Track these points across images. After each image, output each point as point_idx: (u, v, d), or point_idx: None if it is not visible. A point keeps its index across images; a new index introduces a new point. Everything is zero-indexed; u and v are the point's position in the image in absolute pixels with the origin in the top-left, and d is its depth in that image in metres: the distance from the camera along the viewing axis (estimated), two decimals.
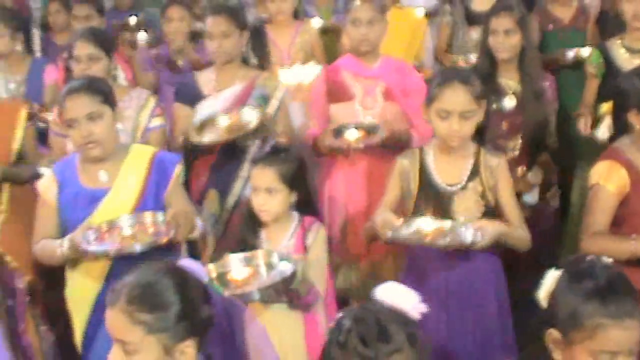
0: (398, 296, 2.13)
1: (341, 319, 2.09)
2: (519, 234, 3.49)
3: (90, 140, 3.40)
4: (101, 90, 3.47)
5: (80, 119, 3.38)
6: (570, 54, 5.25)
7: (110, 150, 3.46)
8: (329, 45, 5.90)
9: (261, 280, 3.25)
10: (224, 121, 4.20)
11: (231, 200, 4.33)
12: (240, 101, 4.26)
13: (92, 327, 3.51)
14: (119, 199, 3.46)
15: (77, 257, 3.42)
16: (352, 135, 4.21)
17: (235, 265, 3.32)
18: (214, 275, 3.26)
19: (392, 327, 2.05)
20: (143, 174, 3.49)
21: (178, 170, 3.56)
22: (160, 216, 3.37)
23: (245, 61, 4.41)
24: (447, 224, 3.38)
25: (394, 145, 4.10)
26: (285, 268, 3.23)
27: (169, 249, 3.41)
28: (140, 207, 3.45)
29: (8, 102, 4.62)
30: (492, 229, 3.30)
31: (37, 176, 4.25)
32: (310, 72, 4.89)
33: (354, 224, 4.39)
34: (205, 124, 4.17)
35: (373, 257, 4.36)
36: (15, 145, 4.36)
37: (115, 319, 2.22)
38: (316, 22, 5.26)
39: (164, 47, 5.78)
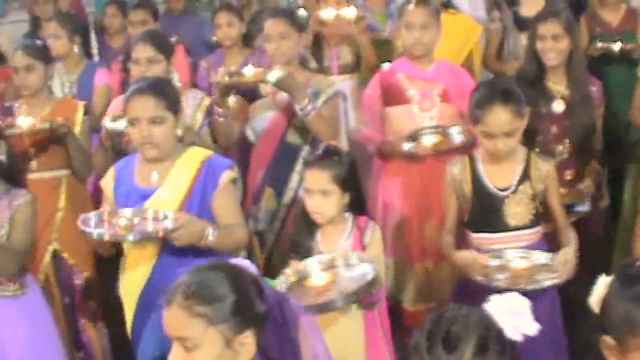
0: (505, 311, 2.05)
1: (429, 318, 2.05)
2: (574, 238, 3.59)
3: (149, 141, 3.43)
4: (167, 96, 3.48)
5: (142, 120, 3.41)
6: (615, 47, 5.20)
7: (167, 153, 3.48)
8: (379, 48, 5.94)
9: (342, 285, 3.21)
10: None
11: (288, 196, 4.38)
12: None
13: (138, 320, 3.57)
14: (165, 198, 3.47)
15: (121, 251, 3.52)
16: (429, 141, 4.24)
17: (314, 270, 3.31)
18: (292, 280, 3.27)
19: (462, 338, 1.97)
20: (192, 176, 3.49)
21: (228, 175, 3.52)
22: (161, 214, 3.35)
23: (304, 64, 4.48)
24: (536, 258, 3.46)
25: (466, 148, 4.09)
26: (366, 270, 3.23)
27: (211, 253, 3.35)
28: (185, 208, 3.44)
29: (64, 100, 4.74)
30: (571, 257, 3.42)
31: (90, 170, 4.55)
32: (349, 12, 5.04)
33: (408, 228, 4.43)
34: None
35: (428, 262, 4.39)
36: None
37: (173, 317, 2.20)
38: (351, 12, 5.29)
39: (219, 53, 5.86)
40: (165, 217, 3.34)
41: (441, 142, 4.22)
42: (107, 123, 4.25)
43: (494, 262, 3.47)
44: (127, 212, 3.39)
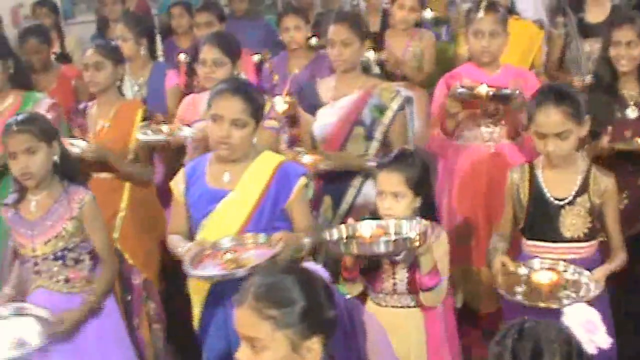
0: (581, 325, 2.06)
1: (508, 328, 2.04)
2: (621, 259, 3.56)
3: (226, 142, 3.45)
4: (254, 103, 3.49)
5: (225, 119, 3.42)
6: None
7: (240, 155, 3.49)
8: (442, 53, 6.07)
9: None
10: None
11: (344, 207, 4.37)
12: (356, 109, 4.30)
13: (206, 316, 3.58)
14: (237, 202, 3.49)
15: None
16: (483, 89, 4.23)
17: (365, 226, 3.36)
18: (344, 234, 3.31)
19: (548, 354, 1.97)
20: (265, 181, 3.50)
21: (302, 183, 3.53)
22: (261, 238, 3.36)
23: (366, 70, 4.46)
24: (565, 272, 3.42)
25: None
26: (413, 234, 3.28)
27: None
28: (257, 213, 3.47)
29: (128, 102, 4.75)
30: (604, 275, 3.38)
31: (149, 176, 4.57)
32: None
33: (474, 233, 4.43)
34: None
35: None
36: (132, 144, 4.49)
37: (244, 317, 2.23)
38: (428, 14, 5.32)
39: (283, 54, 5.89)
40: (265, 240, 3.36)
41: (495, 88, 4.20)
42: (141, 136, 4.32)
43: (522, 271, 3.46)
44: (226, 242, 3.40)
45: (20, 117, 3.64)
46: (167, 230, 3.75)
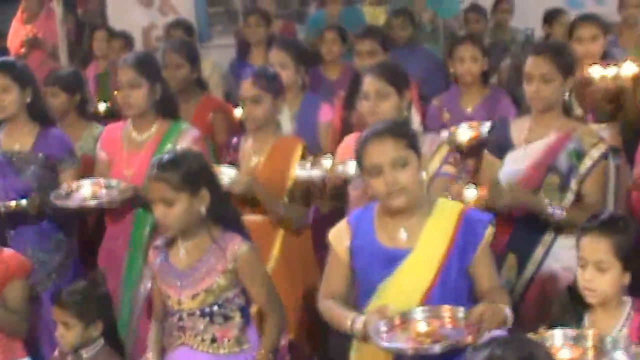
0: None
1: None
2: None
3: (395, 188, 3.30)
4: (406, 134, 3.40)
5: (384, 165, 3.30)
6: None
7: (415, 202, 3.35)
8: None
9: None
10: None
11: (530, 269, 4.18)
12: (552, 154, 4.13)
13: None
14: (421, 261, 3.36)
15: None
16: None
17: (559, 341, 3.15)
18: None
19: None
20: (449, 233, 3.36)
21: (489, 232, 3.39)
22: (460, 312, 3.24)
23: (568, 111, 4.24)
24: None
25: None
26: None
27: None
28: (443, 274, 3.35)
29: (286, 138, 4.68)
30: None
31: (305, 220, 4.55)
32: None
33: None
34: None
35: None
36: (289, 184, 4.46)
37: None
38: (629, 68, 5.01)
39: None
40: (464, 315, 3.22)
41: None
42: (299, 172, 4.32)
43: None
44: (418, 313, 3.27)
45: (164, 159, 3.54)
46: (319, 290, 3.63)
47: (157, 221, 3.61)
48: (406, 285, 3.35)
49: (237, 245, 3.56)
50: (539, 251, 4.15)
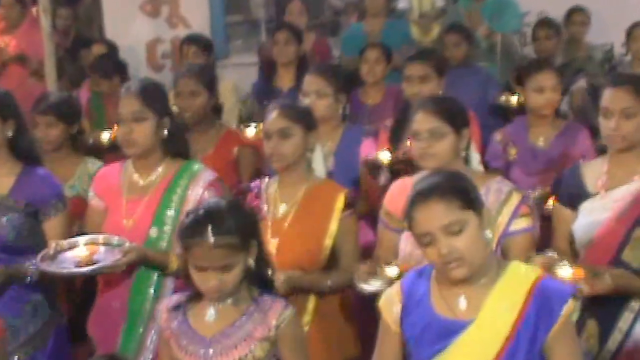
0: None
1: None
2: None
3: (453, 258, 3.16)
4: (460, 191, 3.22)
5: (436, 234, 3.16)
6: None
7: (478, 269, 3.21)
8: None
9: None
10: None
11: (615, 339, 3.93)
12: (638, 204, 3.92)
13: None
14: (482, 336, 3.20)
15: None
16: None
17: None
18: None
19: None
20: (518, 306, 3.20)
21: (569, 308, 3.20)
22: None
23: None
24: None
25: None
26: None
27: None
28: (509, 352, 3.17)
29: (322, 183, 4.38)
30: None
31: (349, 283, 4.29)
32: None
33: None
34: None
35: None
36: (329, 240, 4.19)
37: None
38: None
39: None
40: None
41: None
42: (365, 287, 4.01)
43: None
44: None
45: (216, 220, 3.31)
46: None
47: (206, 290, 3.37)
48: None
49: (280, 309, 3.45)
50: (626, 318, 3.94)
